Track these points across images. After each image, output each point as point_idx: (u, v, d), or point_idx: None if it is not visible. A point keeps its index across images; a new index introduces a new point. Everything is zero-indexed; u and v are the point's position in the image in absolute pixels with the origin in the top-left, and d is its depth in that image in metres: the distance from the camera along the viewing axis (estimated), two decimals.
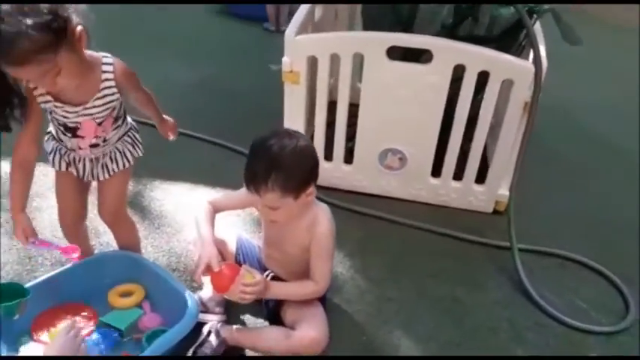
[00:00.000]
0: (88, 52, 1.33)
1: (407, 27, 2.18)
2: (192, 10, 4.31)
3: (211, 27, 4.06)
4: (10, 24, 1.11)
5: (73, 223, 1.62)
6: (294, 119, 2.17)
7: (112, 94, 1.39)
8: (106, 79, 1.37)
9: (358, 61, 2.08)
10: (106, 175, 1.51)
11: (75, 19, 1.22)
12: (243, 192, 1.49)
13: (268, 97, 2.93)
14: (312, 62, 2.10)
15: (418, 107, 2.06)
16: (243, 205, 1.67)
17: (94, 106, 1.38)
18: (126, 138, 1.53)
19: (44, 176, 2.19)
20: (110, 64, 1.39)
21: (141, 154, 1.57)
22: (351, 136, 2.21)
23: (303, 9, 2.28)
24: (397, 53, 2.03)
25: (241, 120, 2.75)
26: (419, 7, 2.17)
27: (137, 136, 1.57)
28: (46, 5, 1.16)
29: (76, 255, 1.46)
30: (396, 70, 2.02)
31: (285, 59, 2.09)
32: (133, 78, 1.43)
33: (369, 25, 2.35)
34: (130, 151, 1.55)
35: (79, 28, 1.23)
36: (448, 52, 1.96)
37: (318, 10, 2.49)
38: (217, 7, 4.32)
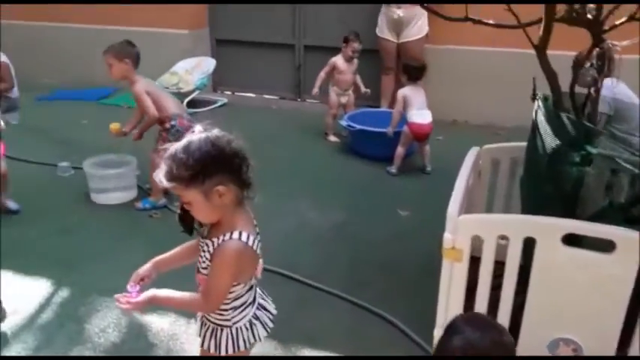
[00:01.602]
0: (241, 218, 1.48)
1: (569, 207, 2.09)
2: (317, 147, 4.58)
3: (337, 165, 4.25)
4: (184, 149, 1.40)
5: None
6: (450, 298, 2.07)
7: (206, 265, 1.49)
8: (213, 248, 1.47)
9: None
10: (205, 346, 1.60)
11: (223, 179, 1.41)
12: None
13: (402, 247, 2.97)
14: (476, 239, 2.05)
15: (597, 297, 1.91)
16: None
17: (204, 254, 1.51)
18: (224, 329, 1.56)
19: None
20: (226, 239, 1.44)
21: (223, 353, 1.56)
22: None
23: (460, 186, 2.26)
24: None
25: (378, 274, 2.72)
26: (583, 184, 2.10)
27: (237, 334, 1.56)
28: (197, 165, 1.38)
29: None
30: (573, 256, 1.91)
31: (447, 235, 2.05)
32: (213, 264, 1.46)
33: (530, 204, 2.30)
34: (217, 343, 1.56)
35: (221, 187, 1.40)
36: (634, 243, 1.83)
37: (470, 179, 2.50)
38: (342, 146, 4.55)
